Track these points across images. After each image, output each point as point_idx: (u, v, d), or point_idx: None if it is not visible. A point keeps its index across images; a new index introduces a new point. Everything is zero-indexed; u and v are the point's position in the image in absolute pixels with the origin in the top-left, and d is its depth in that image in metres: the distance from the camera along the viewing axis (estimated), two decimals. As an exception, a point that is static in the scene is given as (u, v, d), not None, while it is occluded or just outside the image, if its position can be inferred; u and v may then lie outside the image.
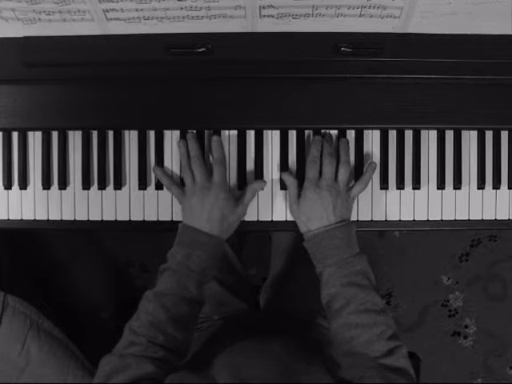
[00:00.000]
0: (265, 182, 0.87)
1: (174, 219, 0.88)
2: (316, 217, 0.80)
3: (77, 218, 0.89)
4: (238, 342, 0.83)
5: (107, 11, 0.78)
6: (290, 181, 0.84)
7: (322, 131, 0.88)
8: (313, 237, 0.80)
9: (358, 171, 0.88)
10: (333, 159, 0.82)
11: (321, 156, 0.84)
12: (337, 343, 0.76)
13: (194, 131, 0.87)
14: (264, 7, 0.77)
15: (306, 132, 0.88)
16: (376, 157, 0.89)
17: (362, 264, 0.78)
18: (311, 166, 0.83)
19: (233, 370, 0.73)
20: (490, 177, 0.89)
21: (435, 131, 0.89)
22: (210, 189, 0.81)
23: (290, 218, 0.88)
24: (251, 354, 0.78)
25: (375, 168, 0.87)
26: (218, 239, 0.80)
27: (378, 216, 0.89)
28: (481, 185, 0.89)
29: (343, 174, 0.82)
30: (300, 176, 0.87)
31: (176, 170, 0.88)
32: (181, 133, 0.88)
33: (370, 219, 0.89)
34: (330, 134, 0.87)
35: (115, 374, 0.69)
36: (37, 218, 0.89)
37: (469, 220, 0.89)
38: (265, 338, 0.84)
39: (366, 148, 0.88)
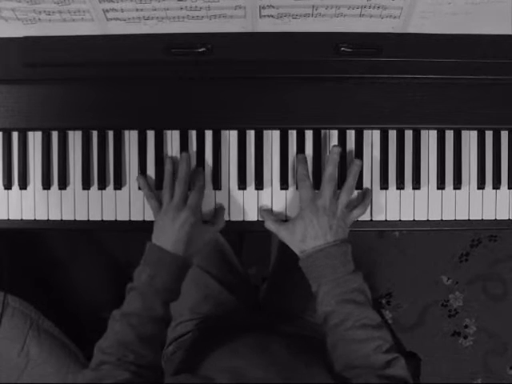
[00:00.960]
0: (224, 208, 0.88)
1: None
2: (311, 236, 0.80)
3: (77, 218, 0.89)
4: (236, 343, 0.83)
5: (107, 11, 0.78)
6: (266, 215, 0.86)
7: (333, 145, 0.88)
8: (308, 256, 0.80)
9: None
10: (332, 181, 0.82)
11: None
12: (335, 356, 0.76)
13: (189, 153, 0.87)
14: (264, 7, 0.77)
15: (306, 132, 0.88)
16: (376, 157, 0.89)
17: (357, 282, 0.78)
18: (302, 185, 0.83)
19: (233, 372, 0.73)
20: (490, 177, 0.89)
21: (435, 131, 0.89)
22: (182, 211, 0.81)
23: (290, 217, 0.88)
24: (250, 356, 0.78)
25: (370, 193, 0.87)
26: (183, 261, 0.81)
27: (378, 216, 0.89)
28: (481, 185, 0.89)
29: (345, 198, 0.82)
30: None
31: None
32: (181, 133, 0.88)
33: (369, 219, 0.89)
34: (336, 151, 0.84)
35: None
36: (37, 218, 0.89)
37: (469, 220, 0.89)
38: (264, 338, 0.84)
39: (366, 148, 0.88)
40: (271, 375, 0.72)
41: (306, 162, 0.85)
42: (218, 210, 0.88)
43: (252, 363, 0.76)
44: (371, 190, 0.88)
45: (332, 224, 0.80)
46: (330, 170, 0.82)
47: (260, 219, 0.88)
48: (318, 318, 0.80)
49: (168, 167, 0.86)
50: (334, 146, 0.85)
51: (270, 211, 0.87)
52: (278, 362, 0.76)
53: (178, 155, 0.88)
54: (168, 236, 0.80)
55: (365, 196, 0.87)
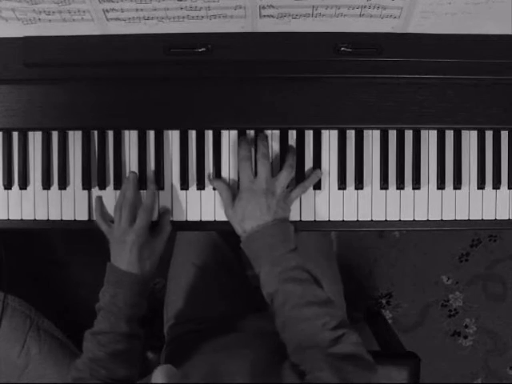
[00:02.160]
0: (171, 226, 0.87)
1: (174, 219, 0.88)
2: (250, 216, 0.80)
3: (77, 218, 0.89)
4: (218, 343, 0.84)
5: (107, 11, 0.78)
6: (220, 186, 0.85)
7: (248, 132, 0.88)
8: (247, 237, 0.80)
9: (358, 171, 0.88)
10: (266, 160, 0.83)
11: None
12: (285, 339, 0.75)
13: (136, 175, 0.86)
14: (264, 7, 0.77)
15: (306, 132, 0.88)
16: (376, 157, 0.89)
17: (297, 259, 0.77)
18: (242, 166, 0.83)
19: (207, 369, 0.74)
20: (490, 177, 0.89)
21: (435, 131, 0.89)
22: (129, 235, 0.82)
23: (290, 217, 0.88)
24: (229, 356, 0.79)
25: (320, 177, 0.87)
26: (140, 277, 0.82)
27: (378, 216, 0.89)
28: (481, 185, 0.89)
29: (284, 177, 0.82)
30: (299, 176, 0.87)
31: (176, 169, 0.88)
32: (180, 133, 0.88)
33: (369, 219, 0.89)
34: (264, 134, 0.87)
35: None
36: (37, 218, 0.89)
37: (469, 220, 0.89)
38: (248, 339, 0.84)
39: (366, 148, 0.88)
40: (243, 374, 0.72)
41: (247, 144, 0.85)
42: (162, 214, 0.87)
43: (227, 363, 0.76)
44: (371, 190, 0.88)
45: (270, 204, 0.80)
46: (262, 150, 0.83)
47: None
48: (266, 301, 0.79)
49: (123, 188, 0.85)
50: (261, 133, 0.86)
51: (228, 187, 0.85)
52: (254, 361, 0.76)
53: (178, 155, 0.88)
54: (122, 257, 0.82)
55: (310, 177, 0.86)
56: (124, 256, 0.82)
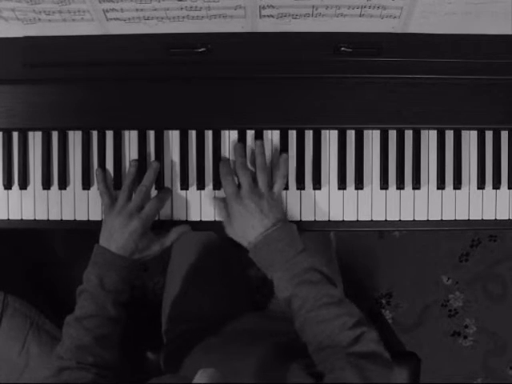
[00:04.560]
0: (189, 226, 0.87)
1: (175, 219, 0.88)
2: (250, 226, 0.80)
3: (77, 218, 0.89)
4: (221, 342, 0.83)
5: (107, 11, 0.78)
6: (216, 203, 0.85)
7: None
8: (254, 247, 0.79)
9: (358, 171, 0.88)
10: (245, 170, 0.83)
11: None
12: (305, 340, 0.75)
13: (157, 163, 0.86)
14: (264, 7, 0.77)
15: (306, 132, 0.88)
16: (376, 157, 0.89)
17: (308, 260, 0.77)
18: (225, 182, 0.83)
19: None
20: (490, 177, 0.89)
21: (435, 131, 0.89)
22: (134, 219, 0.81)
23: (289, 217, 0.88)
24: (233, 355, 0.79)
25: (287, 159, 0.86)
26: (130, 262, 0.81)
27: (378, 216, 0.89)
28: (481, 185, 0.89)
29: (262, 179, 0.82)
30: (299, 177, 0.87)
31: (176, 169, 0.88)
32: (181, 133, 0.88)
33: (370, 219, 0.89)
34: (238, 144, 0.86)
35: None
36: (37, 218, 0.89)
37: (469, 220, 0.89)
38: (252, 338, 0.84)
39: (366, 148, 0.88)
40: (247, 373, 0.72)
41: (227, 163, 0.85)
42: (177, 227, 0.86)
43: (231, 362, 0.76)
44: (371, 190, 0.88)
45: (261, 207, 0.80)
46: (239, 160, 0.84)
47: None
48: (283, 306, 0.79)
49: (132, 170, 0.85)
50: (238, 143, 0.86)
51: (222, 204, 0.85)
52: (259, 360, 0.76)
53: (179, 155, 0.88)
54: (115, 239, 0.81)
55: (280, 165, 0.85)
56: (119, 238, 0.80)
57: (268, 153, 0.87)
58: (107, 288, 0.78)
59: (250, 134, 0.88)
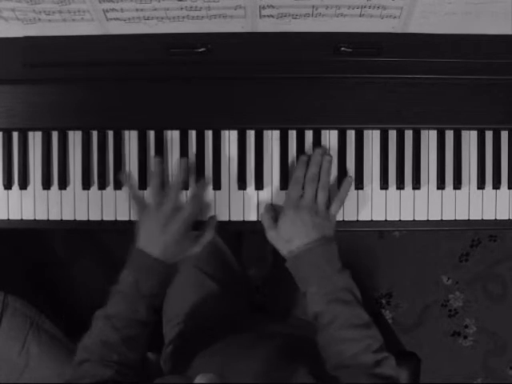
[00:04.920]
0: (216, 218, 0.87)
1: (174, 219, 0.88)
2: (296, 235, 0.80)
3: (77, 218, 0.89)
4: (226, 343, 0.83)
5: (107, 11, 0.78)
6: (265, 208, 0.85)
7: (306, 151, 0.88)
8: (294, 257, 0.80)
9: (358, 171, 0.88)
10: (315, 182, 0.83)
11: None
12: (326, 355, 0.76)
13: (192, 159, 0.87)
14: (264, 7, 0.77)
15: (306, 132, 0.88)
16: (376, 157, 0.89)
17: (344, 280, 0.78)
18: (294, 186, 0.83)
19: (215, 371, 0.74)
20: (490, 177, 0.89)
21: (435, 131, 0.89)
22: (175, 220, 0.81)
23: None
24: (235, 356, 0.79)
25: (351, 183, 0.86)
26: (169, 267, 0.81)
27: (378, 216, 0.89)
28: (481, 185, 0.89)
29: (322, 197, 0.82)
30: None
31: (176, 169, 0.88)
32: (181, 133, 0.88)
33: (370, 219, 0.89)
34: (317, 151, 0.85)
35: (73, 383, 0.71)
36: (37, 218, 0.89)
37: (469, 220, 0.89)
38: (253, 339, 0.84)
39: (366, 148, 0.88)
40: (251, 375, 0.73)
41: (306, 165, 0.85)
42: (209, 221, 0.87)
43: (235, 364, 0.76)
44: (371, 190, 0.88)
45: (315, 221, 0.80)
46: (312, 170, 0.83)
47: (260, 219, 0.88)
48: (310, 318, 0.79)
49: (158, 169, 0.85)
50: (317, 147, 0.86)
51: (271, 207, 0.86)
52: (263, 364, 0.76)
53: (179, 155, 0.88)
54: (156, 242, 0.80)
55: (342, 187, 0.85)
56: (160, 241, 0.80)
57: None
58: (143, 292, 0.78)
59: (250, 134, 0.88)
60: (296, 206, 0.81)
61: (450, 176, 0.89)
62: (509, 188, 0.89)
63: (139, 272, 0.79)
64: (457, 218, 0.89)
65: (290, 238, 0.80)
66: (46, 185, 0.88)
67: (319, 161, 0.85)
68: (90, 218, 0.89)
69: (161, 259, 0.80)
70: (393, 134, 0.88)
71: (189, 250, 0.83)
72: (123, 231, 0.87)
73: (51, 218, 0.89)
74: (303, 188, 0.83)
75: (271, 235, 0.83)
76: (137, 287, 0.78)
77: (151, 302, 0.79)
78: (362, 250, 1.61)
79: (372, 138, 0.89)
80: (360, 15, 0.79)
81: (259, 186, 0.88)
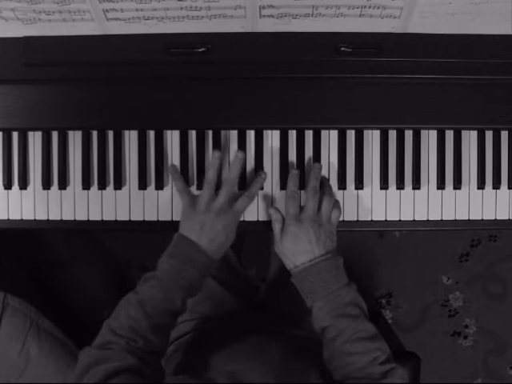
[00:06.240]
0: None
1: (174, 219, 0.88)
2: (300, 251, 0.79)
3: (77, 218, 0.89)
4: (234, 345, 0.83)
5: (107, 11, 0.78)
6: (276, 217, 0.84)
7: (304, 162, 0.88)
8: (299, 272, 0.79)
9: (358, 171, 0.88)
10: (316, 194, 0.82)
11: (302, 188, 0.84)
12: (332, 368, 0.76)
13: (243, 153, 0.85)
14: (264, 7, 0.77)
15: (306, 132, 0.88)
16: (376, 157, 0.89)
17: (351, 295, 0.78)
18: (290, 201, 0.82)
19: (230, 376, 0.74)
20: (490, 177, 0.89)
21: (435, 131, 0.89)
22: (228, 214, 0.80)
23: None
24: (248, 359, 0.78)
25: (333, 195, 0.86)
26: (213, 261, 0.80)
27: (378, 216, 0.89)
28: (481, 185, 0.89)
29: (327, 207, 0.82)
30: (300, 178, 0.87)
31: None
32: (181, 133, 0.88)
33: (370, 219, 0.89)
34: (317, 165, 0.85)
35: (96, 365, 0.68)
36: (37, 218, 0.89)
37: (469, 220, 0.89)
38: (261, 341, 0.84)
39: (366, 148, 0.88)
40: (267, 378, 0.73)
41: (298, 178, 0.84)
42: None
43: (248, 367, 0.76)
44: (371, 190, 0.88)
45: (319, 235, 0.80)
46: (314, 183, 0.83)
47: (260, 219, 0.88)
48: (316, 331, 0.79)
49: (215, 162, 0.83)
50: (316, 163, 0.86)
51: (279, 212, 0.85)
52: (274, 366, 0.76)
53: (179, 155, 0.88)
54: (205, 234, 0.79)
55: (324, 198, 0.84)
56: (210, 233, 0.78)
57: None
58: (183, 284, 0.76)
59: (250, 134, 0.88)
60: (297, 220, 0.81)
61: (450, 176, 0.89)
62: (509, 188, 0.89)
63: (182, 262, 0.77)
64: (457, 218, 0.89)
65: (294, 254, 0.80)
66: (46, 185, 0.88)
67: (319, 174, 0.85)
68: (90, 218, 0.89)
69: (207, 251, 0.78)
70: (393, 134, 0.88)
71: (230, 242, 0.82)
72: (123, 231, 0.87)
73: (51, 218, 0.89)
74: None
75: (277, 248, 0.83)
76: (176, 277, 0.76)
77: (188, 294, 0.78)
78: (362, 250, 1.61)
79: (372, 138, 0.89)
80: (360, 15, 0.79)
81: (259, 186, 0.88)
